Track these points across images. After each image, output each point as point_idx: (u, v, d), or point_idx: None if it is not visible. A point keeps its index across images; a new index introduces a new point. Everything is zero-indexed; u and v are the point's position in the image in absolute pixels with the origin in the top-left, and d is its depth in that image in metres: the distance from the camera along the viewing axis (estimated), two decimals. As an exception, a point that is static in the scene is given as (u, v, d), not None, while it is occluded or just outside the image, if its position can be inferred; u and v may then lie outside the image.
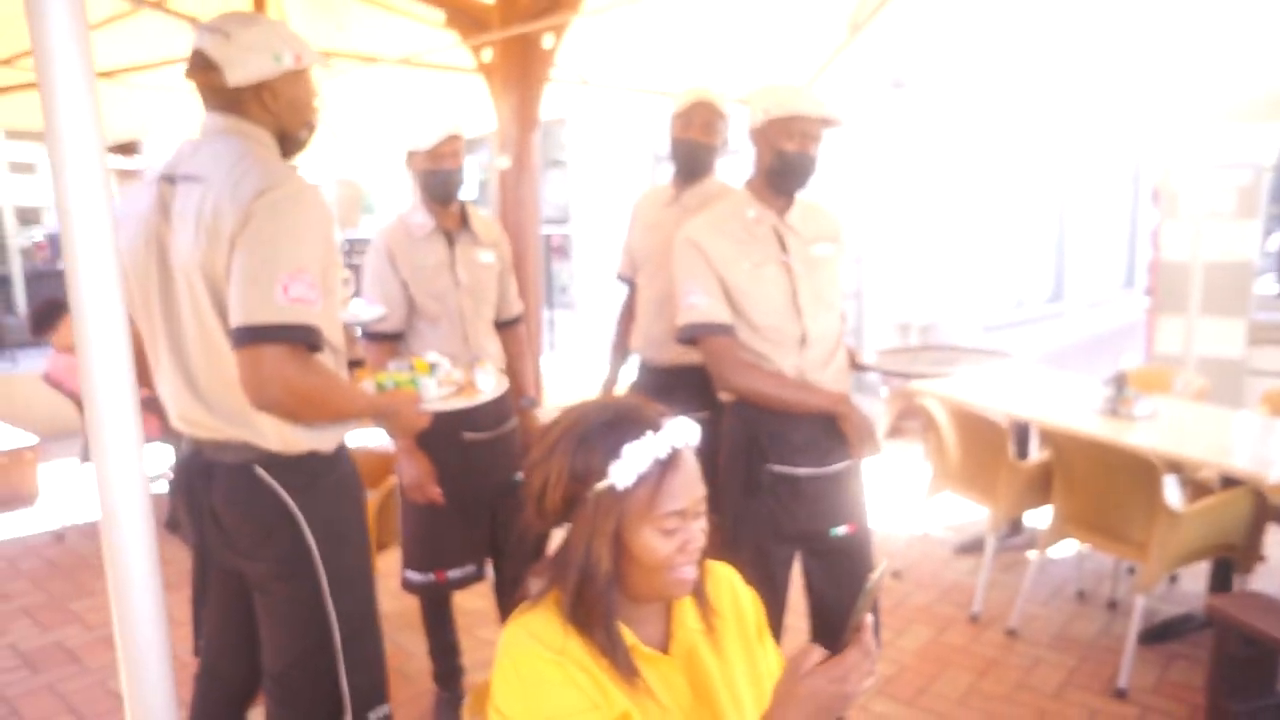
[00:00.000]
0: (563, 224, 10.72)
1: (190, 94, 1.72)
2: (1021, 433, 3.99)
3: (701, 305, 2.09)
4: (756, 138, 2.09)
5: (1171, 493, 3.30)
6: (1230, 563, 2.98)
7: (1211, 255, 5.39)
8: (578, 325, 9.88)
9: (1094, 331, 11.01)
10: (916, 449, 4.87)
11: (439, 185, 2.41)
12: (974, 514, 4.20)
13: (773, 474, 2.11)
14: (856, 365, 2.37)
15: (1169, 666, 2.98)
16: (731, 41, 4.66)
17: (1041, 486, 3.33)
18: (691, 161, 2.58)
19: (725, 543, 2.21)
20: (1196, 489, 3.34)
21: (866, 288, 7.66)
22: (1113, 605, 3.45)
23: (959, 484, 3.62)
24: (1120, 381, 3.49)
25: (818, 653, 1.06)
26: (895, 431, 4.68)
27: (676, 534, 1.13)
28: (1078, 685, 2.88)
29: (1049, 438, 3.21)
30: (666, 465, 1.11)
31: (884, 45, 4.86)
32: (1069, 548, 3.91)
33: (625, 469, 1.10)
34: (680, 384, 2.48)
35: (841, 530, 2.16)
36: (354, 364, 2.17)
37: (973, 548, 3.98)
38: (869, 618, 1.05)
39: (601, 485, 1.10)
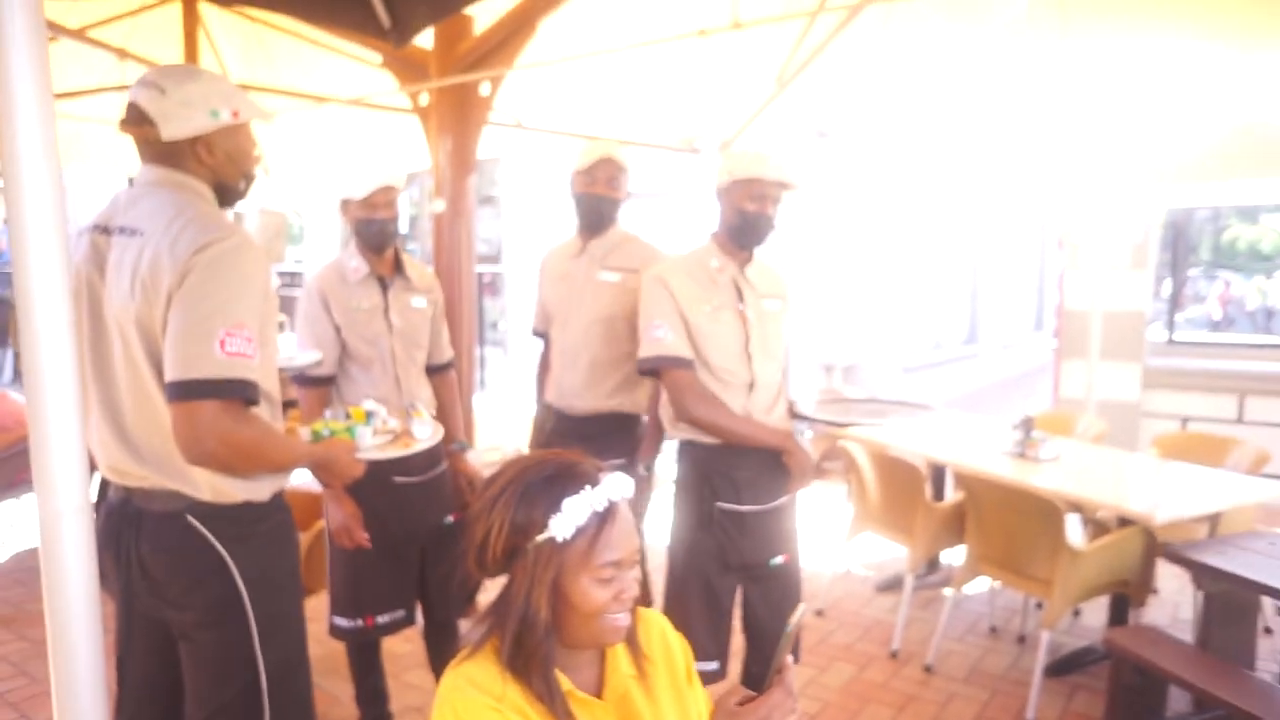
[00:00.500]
0: (495, 262, 10.74)
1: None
2: (938, 475, 4.17)
3: (667, 340, 2.25)
4: (721, 196, 2.31)
5: (1074, 532, 3.50)
6: (1126, 597, 3.16)
7: (1109, 304, 5.74)
8: (509, 363, 9.88)
9: (1007, 372, 11.50)
10: (839, 489, 5.01)
11: (373, 235, 2.45)
12: (894, 553, 4.34)
13: (722, 511, 2.30)
14: (795, 414, 2.51)
15: (1073, 697, 3.14)
16: (664, 92, 4.82)
17: (956, 526, 3.49)
18: (596, 215, 2.64)
19: (675, 574, 2.37)
20: (1096, 528, 3.55)
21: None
22: (1022, 639, 3.61)
23: (879, 524, 3.76)
24: (1027, 425, 3.69)
25: (742, 693, 1.13)
26: (819, 473, 4.82)
27: (612, 583, 1.19)
28: (989, 719, 3.00)
29: (962, 480, 3.37)
30: (604, 518, 1.18)
31: (809, 97, 5.08)
32: (982, 584, 4.08)
33: (565, 522, 1.15)
34: (596, 432, 2.57)
35: (779, 560, 2.37)
36: (287, 404, 2.18)
37: (893, 586, 4.12)
38: (789, 659, 1.13)
39: (542, 537, 1.15)
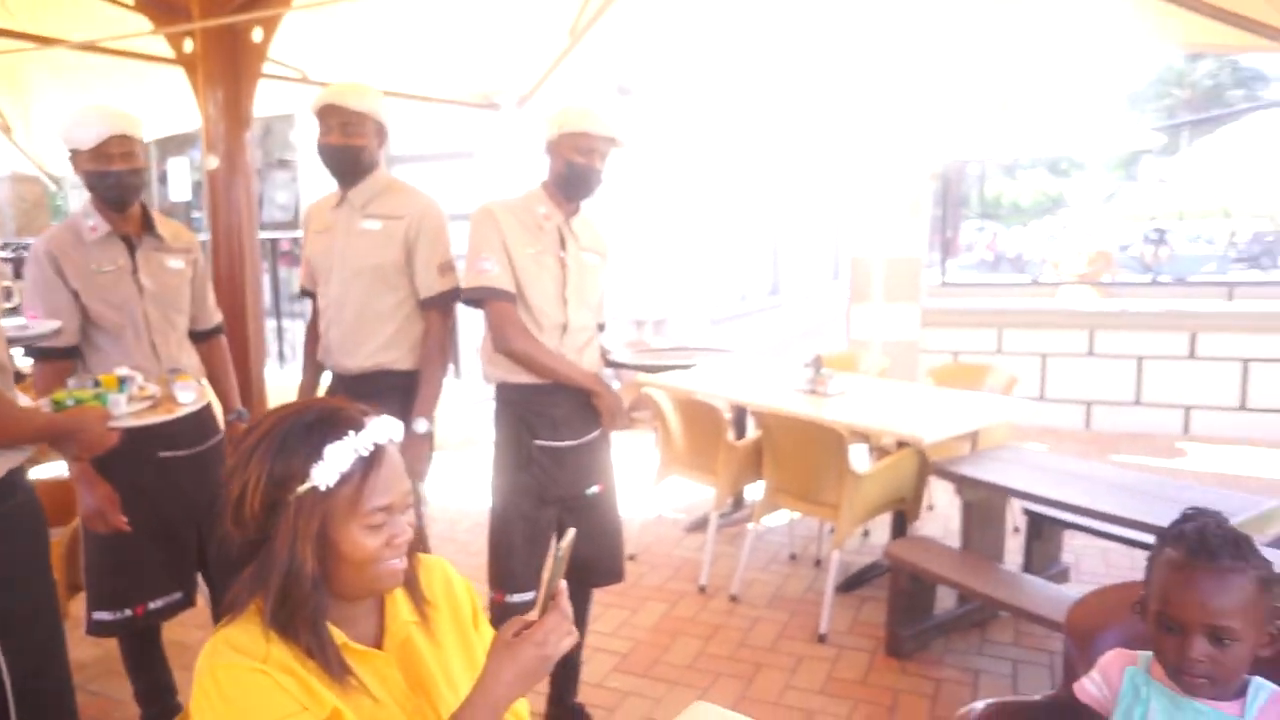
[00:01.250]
0: (293, 228, 10.10)
1: None
2: (739, 415, 4.37)
3: (493, 272, 2.30)
4: (550, 149, 2.37)
5: (861, 459, 3.79)
6: (904, 514, 3.47)
7: (890, 252, 6.21)
8: (312, 333, 9.37)
9: (808, 320, 12.18)
10: (648, 437, 5.15)
11: (109, 189, 2.19)
12: (701, 494, 4.53)
13: (539, 448, 2.39)
14: (609, 362, 2.58)
15: (861, 609, 3.42)
16: (459, 44, 4.68)
17: (756, 463, 3.68)
18: (337, 166, 2.45)
19: (497, 514, 2.38)
20: (880, 454, 3.86)
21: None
22: (818, 563, 3.89)
23: (685, 467, 3.90)
24: (817, 364, 3.94)
25: (519, 622, 1.14)
26: (629, 421, 4.94)
27: (384, 529, 1.16)
28: (789, 637, 3.23)
29: (759, 418, 3.55)
30: (370, 463, 1.14)
31: (608, 52, 5.09)
32: (782, 517, 4.35)
33: (328, 469, 1.11)
34: (370, 391, 2.47)
35: (594, 489, 2.50)
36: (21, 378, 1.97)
37: (701, 525, 4.31)
38: (563, 583, 1.15)
39: (304, 488, 1.11)
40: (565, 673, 2.63)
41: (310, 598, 1.12)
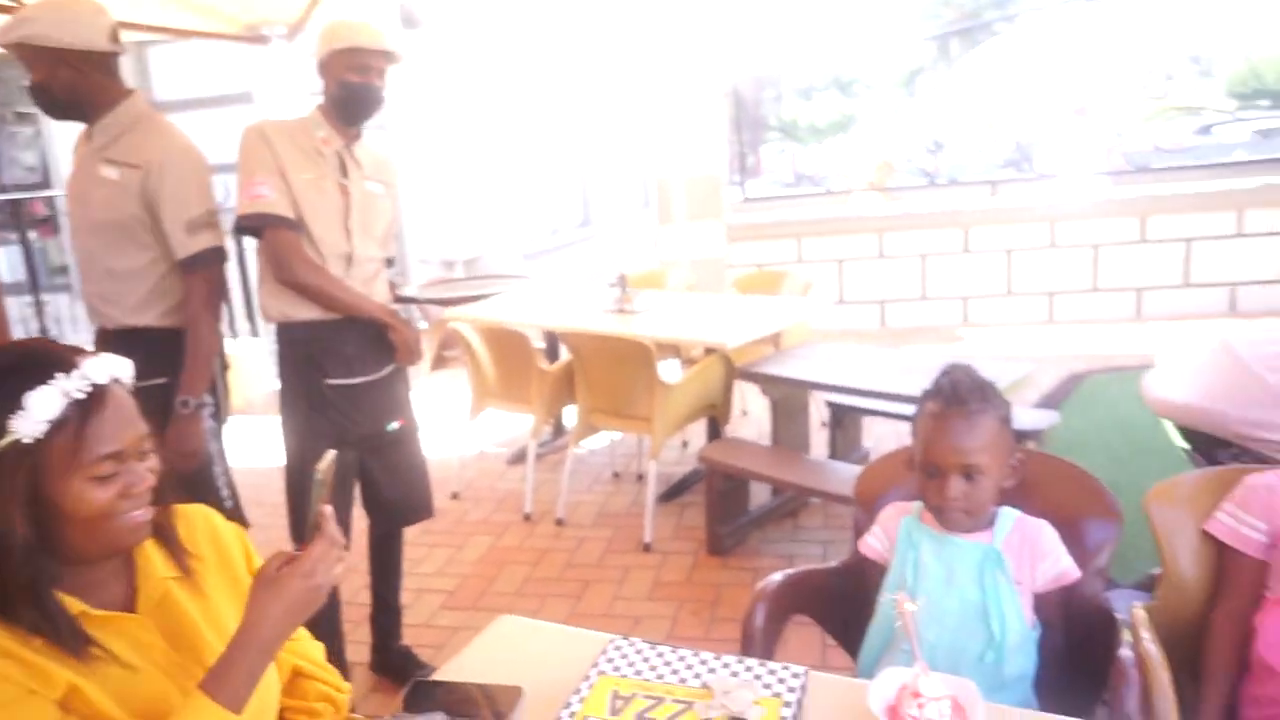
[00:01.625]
0: (44, 189, 8.97)
1: None
2: (551, 341, 4.34)
3: (269, 197, 2.11)
4: (322, 70, 2.19)
5: (673, 371, 3.86)
6: (717, 420, 3.57)
7: (691, 171, 6.29)
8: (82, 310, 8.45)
9: (621, 250, 12.25)
10: (461, 375, 5.04)
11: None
12: (520, 425, 4.49)
13: (332, 388, 2.24)
14: (398, 298, 2.43)
15: (683, 515, 3.53)
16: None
17: (569, 387, 3.67)
18: (46, 108, 2.09)
19: (292, 460, 2.24)
20: (692, 365, 3.94)
21: (407, 227, 7.63)
22: (640, 478, 3.96)
23: (499, 398, 3.83)
24: (622, 282, 3.95)
25: (282, 555, 1.06)
26: (439, 362, 4.79)
27: (115, 479, 1.03)
28: (614, 550, 3.28)
29: (568, 341, 3.52)
30: (89, 407, 1.00)
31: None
32: (604, 439, 4.39)
33: (30, 420, 0.97)
34: (137, 349, 2.18)
35: (394, 425, 2.37)
36: None
37: (523, 456, 4.28)
38: (328, 508, 1.07)
39: (3, 443, 0.96)
40: (385, 617, 2.55)
41: (24, 568, 0.98)
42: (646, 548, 3.25)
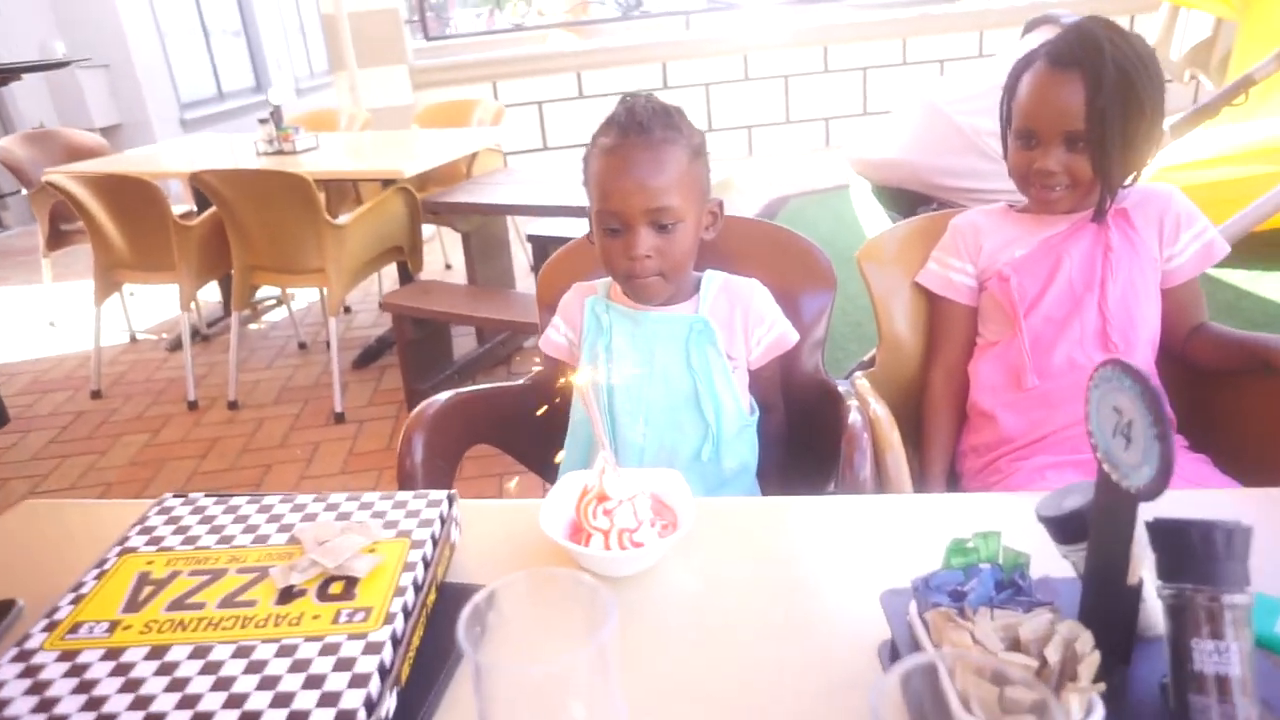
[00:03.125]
0: None
1: None
2: (201, 199, 3.59)
3: None
4: None
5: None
6: (408, 267, 3.13)
7: (361, 5, 5.47)
8: None
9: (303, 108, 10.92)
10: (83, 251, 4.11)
11: None
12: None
13: None
14: None
15: (382, 379, 3.11)
16: None
17: (221, 245, 3.02)
18: None
19: None
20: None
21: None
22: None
23: (135, 270, 3.10)
24: (277, 117, 3.29)
25: None
26: (57, 239, 3.81)
27: None
28: (301, 427, 2.81)
29: (207, 185, 2.85)
30: None
31: None
32: (282, 312, 3.80)
33: None
34: None
35: None
36: None
37: (192, 336, 3.59)
38: None
39: None
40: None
41: None
42: (339, 418, 2.82)
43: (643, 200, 1.00)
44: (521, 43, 7.30)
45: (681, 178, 1.02)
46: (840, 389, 1.22)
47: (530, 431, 1.32)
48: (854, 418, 1.04)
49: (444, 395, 1.20)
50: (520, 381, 1.38)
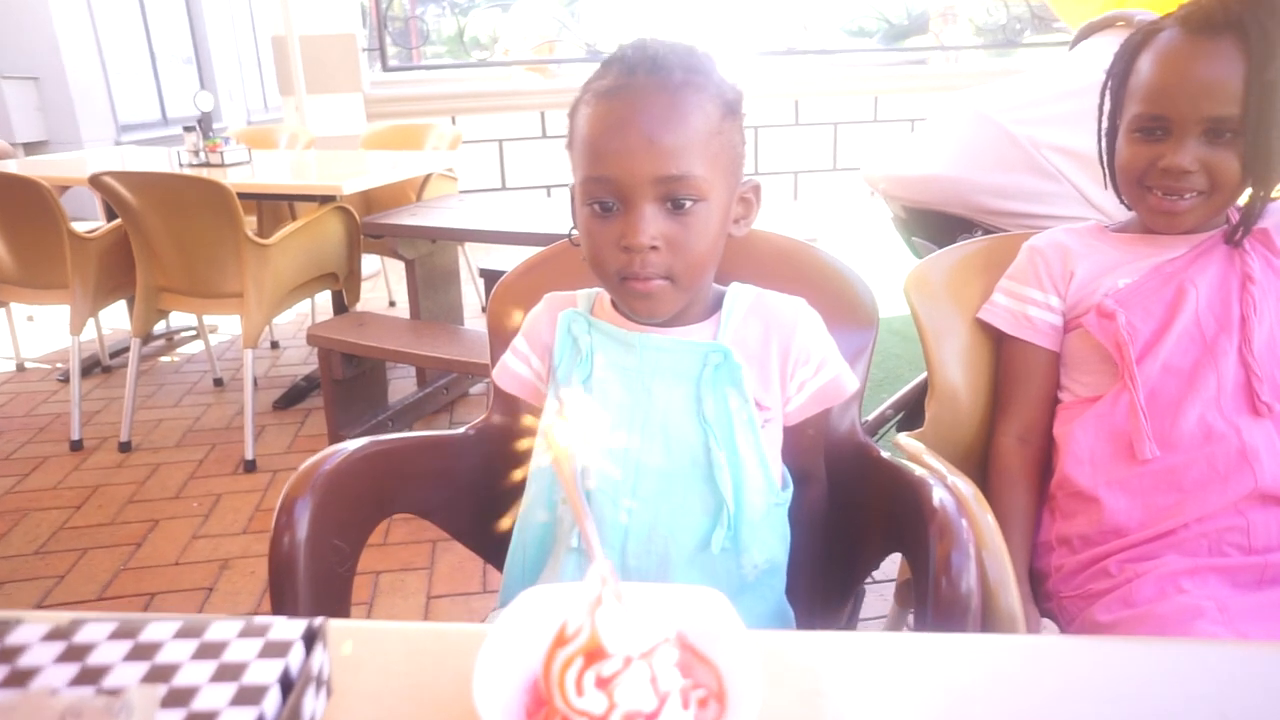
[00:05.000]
0: None
1: None
2: (110, 211, 3.20)
3: None
4: None
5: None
6: (342, 296, 2.76)
7: (311, 26, 5.17)
8: None
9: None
10: None
11: None
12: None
13: None
14: None
15: (304, 423, 2.72)
16: None
17: (125, 261, 2.63)
18: None
19: None
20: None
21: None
22: (255, 382, 3.05)
23: (22, 285, 2.69)
24: (205, 124, 2.94)
25: None
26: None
27: None
28: (203, 476, 2.40)
29: (110, 192, 2.46)
30: None
31: None
32: (197, 346, 3.40)
33: None
34: None
35: None
36: None
37: (88, 368, 3.17)
38: None
39: None
40: None
41: None
42: (249, 466, 2.42)
43: (651, 164, 0.68)
44: (485, 79, 7.05)
45: (707, 139, 0.70)
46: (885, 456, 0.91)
47: (472, 500, 0.98)
48: (940, 497, 0.72)
49: (351, 444, 0.85)
50: (462, 430, 1.04)
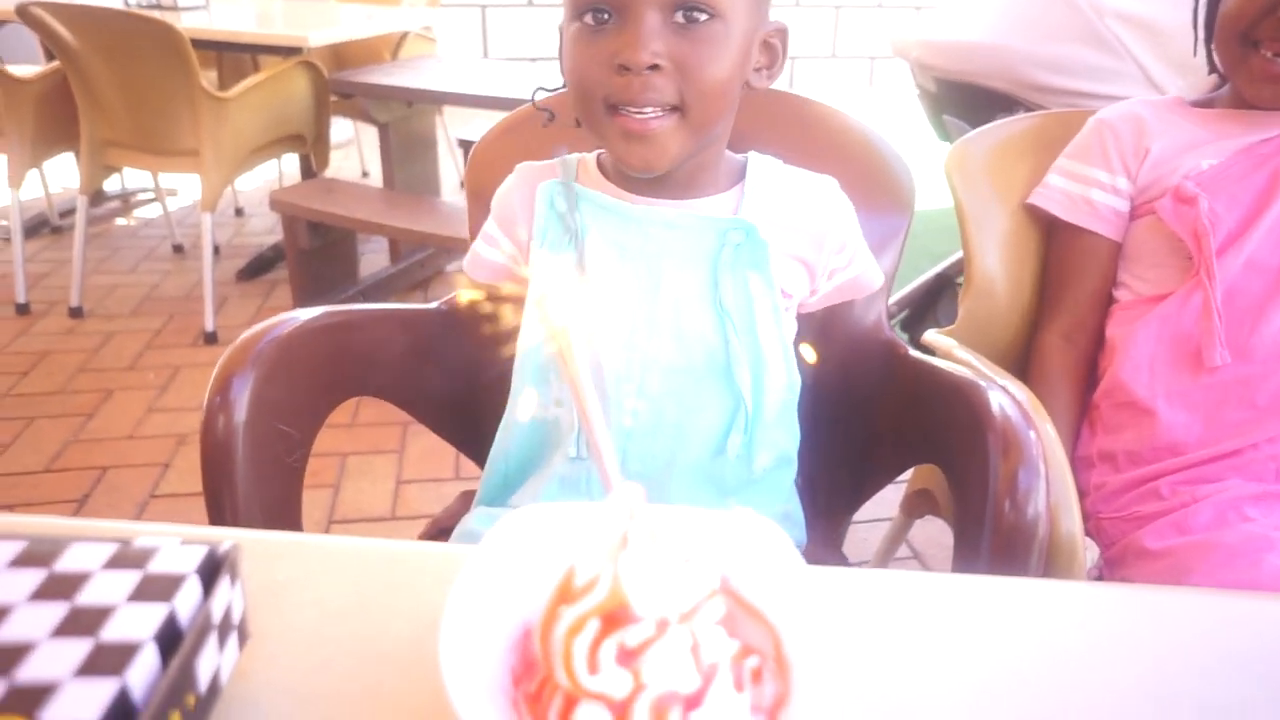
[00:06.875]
0: None
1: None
2: (48, 52, 2.92)
3: None
4: None
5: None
6: (309, 160, 2.56)
7: None
8: None
9: None
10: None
11: None
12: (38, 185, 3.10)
13: None
14: None
15: (271, 294, 2.57)
16: None
17: (67, 110, 2.40)
18: None
19: None
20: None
21: None
22: (217, 250, 2.88)
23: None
24: (154, -37, 2.65)
25: None
26: None
27: None
28: (160, 346, 2.26)
29: (45, 29, 2.22)
30: None
31: None
32: (155, 209, 3.19)
33: None
34: None
35: None
36: None
37: (37, 229, 2.97)
38: None
39: None
40: None
41: None
42: (209, 338, 2.28)
43: None
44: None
45: None
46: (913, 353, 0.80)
47: (445, 385, 0.86)
48: (1001, 403, 0.61)
49: (304, 313, 0.73)
50: (435, 305, 0.91)
